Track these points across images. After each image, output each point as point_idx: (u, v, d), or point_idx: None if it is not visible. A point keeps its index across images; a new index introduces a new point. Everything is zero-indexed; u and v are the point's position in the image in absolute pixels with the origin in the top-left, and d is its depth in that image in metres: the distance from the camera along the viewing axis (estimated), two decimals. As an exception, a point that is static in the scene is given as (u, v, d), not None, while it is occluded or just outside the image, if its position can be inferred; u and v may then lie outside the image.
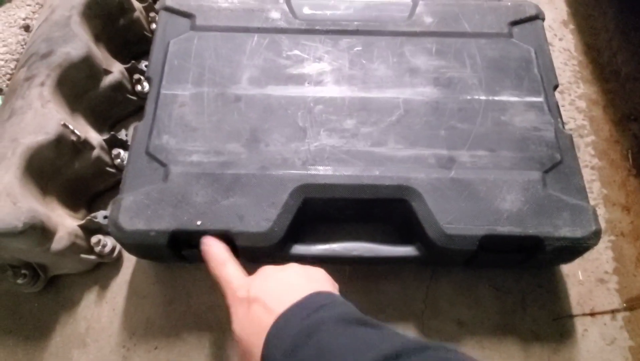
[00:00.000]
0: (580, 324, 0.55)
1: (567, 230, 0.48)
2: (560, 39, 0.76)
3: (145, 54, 0.70)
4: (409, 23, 0.61)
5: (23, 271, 0.53)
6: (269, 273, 0.40)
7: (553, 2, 0.79)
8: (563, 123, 0.56)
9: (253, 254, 0.50)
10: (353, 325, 0.33)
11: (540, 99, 0.56)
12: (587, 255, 0.55)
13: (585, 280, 0.58)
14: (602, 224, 0.61)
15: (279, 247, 0.49)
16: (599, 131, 0.68)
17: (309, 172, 0.51)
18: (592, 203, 0.62)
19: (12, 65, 0.71)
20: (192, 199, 0.49)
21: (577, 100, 0.71)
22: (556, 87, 0.58)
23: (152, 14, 0.69)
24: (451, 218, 0.48)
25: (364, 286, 0.56)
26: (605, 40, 0.76)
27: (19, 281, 0.52)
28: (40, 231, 0.48)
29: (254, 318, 0.36)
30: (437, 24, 0.61)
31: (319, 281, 0.40)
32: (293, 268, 0.41)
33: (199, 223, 0.47)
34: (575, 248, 0.49)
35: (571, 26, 0.77)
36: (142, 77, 0.64)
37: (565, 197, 0.50)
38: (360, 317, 0.34)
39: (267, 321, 0.34)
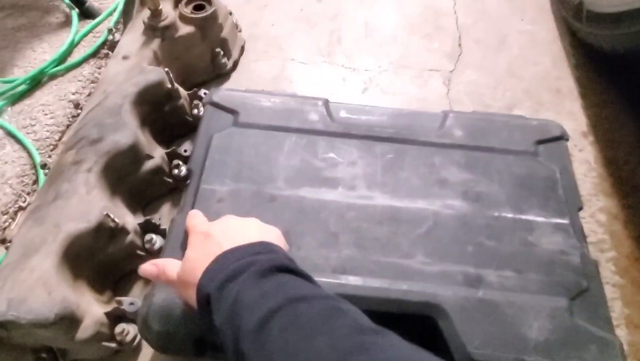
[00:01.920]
0: None
1: (594, 365, 0.48)
2: (580, 150, 0.79)
3: (184, 135, 0.74)
4: (439, 134, 0.64)
5: (43, 355, 0.53)
6: (230, 218, 0.46)
7: (573, 113, 0.83)
8: (587, 247, 0.57)
9: None
10: (269, 275, 0.36)
11: (566, 221, 0.57)
12: (612, 383, 0.54)
13: (609, 408, 0.57)
14: (625, 347, 0.61)
15: (304, 356, 0.49)
16: (619, 246, 0.69)
17: (339, 281, 0.51)
18: (615, 322, 0.62)
19: (56, 137, 0.75)
20: (222, 301, 0.49)
21: (597, 213, 0.72)
22: (580, 209, 0.59)
23: (195, 101, 0.73)
24: (478, 343, 0.48)
25: (382, 397, 0.55)
26: (625, 154, 0.79)
27: (39, 366, 0.52)
28: (70, 321, 0.49)
29: (206, 248, 0.41)
30: (466, 138, 0.64)
31: (271, 235, 0.44)
32: (253, 220, 0.46)
33: (227, 327, 0.48)
34: (601, 384, 0.48)
35: (590, 138, 0.81)
36: (180, 162, 0.66)
37: (592, 328, 0.50)
38: (281, 265, 0.38)
39: (214, 253, 0.39)
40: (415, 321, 0.52)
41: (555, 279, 0.53)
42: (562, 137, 0.65)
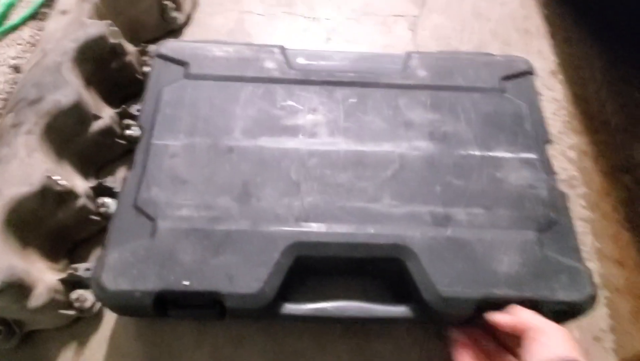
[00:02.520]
0: (577, 386, 0.53)
1: (563, 294, 0.47)
2: (550, 89, 0.77)
3: (136, 96, 0.70)
4: (403, 76, 0.61)
5: (-3, 328, 0.50)
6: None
7: (542, 53, 0.81)
8: (556, 180, 0.56)
9: (241, 313, 0.48)
10: None
11: (534, 155, 0.56)
12: (583, 313, 0.54)
13: (582, 339, 0.57)
14: (596, 279, 0.61)
15: (269, 307, 0.47)
16: (590, 182, 0.69)
17: (301, 229, 0.49)
18: (584, 256, 0.62)
19: (-1, 104, 0.70)
20: (180, 257, 0.47)
21: (567, 150, 0.72)
22: (548, 142, 0.58)
23: (144, 58, 0.69)
24: (448, 280, 0.47)
25: (356, 346, 0.54)
26: (593, 91, 0.78)
27: (-8, 339, 0.49)
28: (19, 289, 0.46)
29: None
30: (431, 78, 0.61)
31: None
32: None
33: (186, 283, 0.46)
34: (571, 312, 0.48)
35: (560, 76, 0.79)
36: (132, 122, 0.62)
37: (561, 258, 0.49)
38: None
39: None
40: (384, 266, 0.51)
41: (524, 213, 0.52)
42: (528, 72, 0.63)
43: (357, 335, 0.55)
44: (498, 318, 0.46)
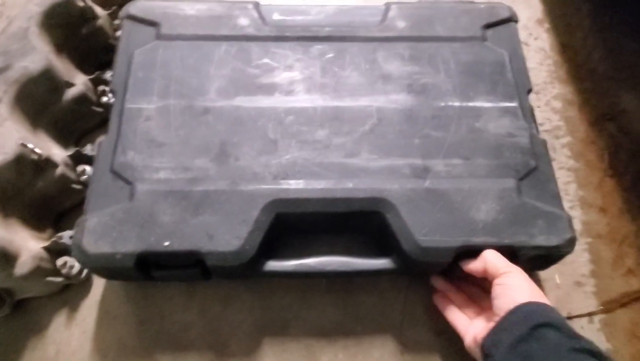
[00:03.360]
0: (557, 329, 0.55)
1: (542, 239, 0.48)
2: (536, 38, 0.75)
3: (110, 63, 0.68)
4: (381, 28, 0.59)
5: (-13, 297, 0.51)
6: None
7: (528, 1, 0.78)
8: (537, 128, 0.56)
9: (225, 272, 0.49)
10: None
11: (515, 104, 0.55)
12: (565, 258, 0.55)
13: (563, 284, 0.58)
14: (579, 226, 0.61)
15: (251, 265, 0.48)
16: (574, 131, 0.68)
17: (280, 186, 0.49)
18: (568, 204, 0.62)
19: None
20: (160, 219, 0.47)
21: (552, 100, 0.71)
22: (530, 91, 0.57)
23: (117, 22, 0.67)
24: (426, 230, 0.48)
25: (341, 298, 0.55)
26: (580, 38, 0.76)
27: (-17, 307, 0.50)
28: (2, 257, 0.47)
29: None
30: (410, 29, 0.59)
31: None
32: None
33: (166, 243, 0.46)
34: (550, 257, 0.49)
35: (546, 25, 0.77)
36: (107, 88, 0.61)
37: (540, 204, 0.49)
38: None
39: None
40: (364, 220, 0.51)
41: (503, 161, 0.52)
42: (511, 19, 0.61)
43: (343, 288, 0.56)
44: (469, 265, 0.47)
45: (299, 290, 0.55)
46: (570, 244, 0.48)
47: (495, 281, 0.44)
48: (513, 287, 0.43)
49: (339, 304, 0.55)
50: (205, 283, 0.55)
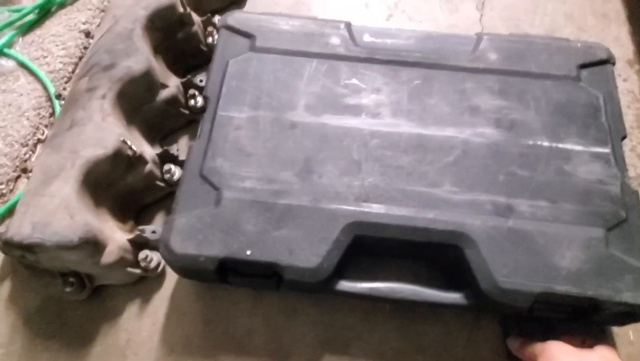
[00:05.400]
0: (629, 388, 0.52)
1: (629, 295, 0.46)
2: (625, 80, 0.73)
3: (199, 67, 0.71)
4: (472, 58, 0.59)
5: (71, 280, 0.54)
6: None
7: (619, 40, 0.76)
8: (629, 177, 0.53)
9: (298, 286, 0.50)
10: None
11: (607, 150, 0.53)
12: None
13: (636, 341, 0.55)
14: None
15: (325, 283, 0.48)
16: (660, 181, 0.65)
17: (361, 209, 0.50)
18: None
19: (69, 68, 0.73)
20: (243, 227, 0.49)
21: (638, 146, 0.68)
22: (624, 138, 0.55)
23: (209, 28, 0.69)
24: (506, 271, 0.47)
25: (404, 325, 0.55)
26: (673, 84, 0.72)
27: (67, 289, 0.54)
28: (93, 245, 0.49)
29: None
30: (502, 62, 0.59)
31: None
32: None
33: (248, 252, 0.47)
34: (635, 315, 0.47)
35: (637, 67, 0.74)
36: (196, 92, 0.64)
37: (628, 259, 0.48)
38: None
39: None
40: (441, 251, 0.51)
41: (591, 209, 0.50)
42: (608, 61, 0.59)
43: (406, 315, 0.55)
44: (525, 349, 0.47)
45: (363, 311, 0.56)
46: (658, 305, 0.46)
47: None
48: None
49: (401, 330, 0.55)
50: (272, 292, 0.56)
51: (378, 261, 0.56)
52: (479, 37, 0.61)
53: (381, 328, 0.55)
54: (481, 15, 0.77)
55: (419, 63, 0.59)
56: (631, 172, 0.65)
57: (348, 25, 0.61)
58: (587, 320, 0.49)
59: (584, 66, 0.58)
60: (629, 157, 0.67)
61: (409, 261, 0.56)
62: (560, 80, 0.57)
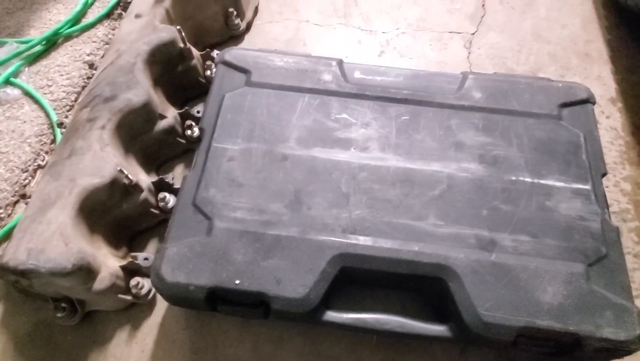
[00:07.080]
0: None
1: (609, 331, 0.47)
2: (608, 117, 0.75)
3: (197, 97, 0.74)
4: (457, 96, 0.62)
5: (63, 305, 0.55)
6: None
7: (602, 78, 0.79)
8: (610, 214, 0.55)
9: (285, 316, 0.50)
10: None
11: (588, 186, 0.55)
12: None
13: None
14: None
15: (312, 313, 0.49)
16: (643, 216, 0.67)
17: (348, 240, 0.51)
18: (634, 292, 0.60)
19: (72, 97, 0.76)
20: (233, 257, 0.50)
21: (621, 182, 0.70)
22: (604, 175, 0.57)
23: (208, 62, 0.72)
24: (489, 305, 0.48)
25: (390, 357, 0.55)
26: (654, 122, 0.75)
27: (59, 314, 0.54)
28: (86, 272, 0.50)
29: None
30: (486, 100, 0.61)
31: None
32: None
33: (237, 282, 0.48)
34: (616, 351, 0.47)
35: (619, 104, 0.77)
36: (193, 123, 0.66)
37: (609, 294, 0.49)
38: None
39: None
40: (426, 283, 0.52)
41: (572, 245, 0.52)
42: (588, 101, 0.62)
43: (393, 346, 0.56)
44: None
45: (349, 342, 0.56)
46: (638, 341, 0.47)
47: None
48: None
49: (388, 362, 0.55)
50: (260, 320, 0.56)
51: (366, 291, 0.57)
52: (465, 75, 0.64)
53: (367, 359, 0.55)
54: (469, 53, 0.81)
55: (407, 100, 0.61)
56: (615, 208, 0.67)
57: (340, 63, 0.64)
58: (571, 355, 0.50)
59: (565, 105, 0.61)
60: (613, 192, 0.69)
61: (396, 293, 0.57)
62: (542, 118, 0.60)
